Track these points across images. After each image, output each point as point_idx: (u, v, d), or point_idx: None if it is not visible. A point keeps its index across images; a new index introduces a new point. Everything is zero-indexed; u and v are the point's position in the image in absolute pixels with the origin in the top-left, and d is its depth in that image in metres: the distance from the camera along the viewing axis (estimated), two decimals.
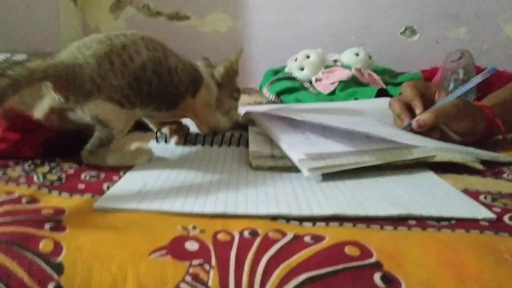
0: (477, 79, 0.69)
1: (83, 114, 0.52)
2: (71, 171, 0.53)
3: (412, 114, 0.69)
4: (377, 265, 0.34)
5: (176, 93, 0.58)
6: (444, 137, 0.67)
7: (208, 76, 0.64)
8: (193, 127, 0.67)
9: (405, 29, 1.67)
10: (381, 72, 1.33)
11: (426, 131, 0.67)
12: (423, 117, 0.66)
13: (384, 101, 0.87)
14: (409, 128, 0.68)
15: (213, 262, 0.34)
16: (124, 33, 0.55)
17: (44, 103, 0.53)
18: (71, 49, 0.52)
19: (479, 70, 1.26)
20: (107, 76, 0.51)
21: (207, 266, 0.34)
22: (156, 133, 0.66)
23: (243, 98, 1.28)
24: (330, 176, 0.52)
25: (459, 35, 1.65)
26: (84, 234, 0.37)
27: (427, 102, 0.70)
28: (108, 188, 0.47)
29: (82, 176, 0.51)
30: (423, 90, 0.71)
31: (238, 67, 0.70)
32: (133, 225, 0.39)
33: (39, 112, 0.53)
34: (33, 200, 0.44)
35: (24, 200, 0.44)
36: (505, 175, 0.58)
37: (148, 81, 0.54)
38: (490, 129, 0.70)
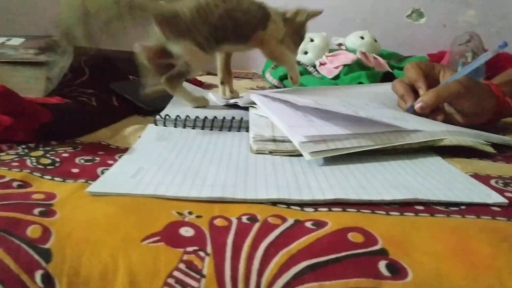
0: (487, 56, 0.65)
1: (174, 50, 0.66)
2: (65, 155, 0.51)
3: (417, 96, 0.66)
4: (382, 253, 0.32)
5: (248, 30, 0.73)
6: (449, 119, 0.65)
7: (276, 14, 0.77)
8: (189, 109, 0.66)
9: (412, 12, 1.63)
10: (387, 56, 1.30)
11: (430, 113, 0.64)
12: (425, 97, 0.64)
13: (390, 85, 0.84)
14: (412, 110, 0.65)
15: (209, 248, 0.32)
16: None
17: (150, 41, 0.68)
18: (170, 2, 0.67)
19: None
20: (195, 24, 0.66)
21: (202, 253, 0.32)
22: (155, 116, 0.64)
23: (246, 82, 1.26)
24: (332, 160, 0.50)
25: (468, 18, 1.61)
26: (74, 220, 0.35)
27: (432, 83, 0.67)
28: (102, 172, 0.45)
29: (77, 160, 0.49)
30: (427, 70, 0.69)
31: (305, 20, 0.82)
32: (126, 210, 0.37)
33: (144, 54, 0.69)
34: (24, 184, 0.42)
35: (15, 184, 0.42)
36: None
37: (225, 27, 0.69)
38: (499, 108, 0.67)
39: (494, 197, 0.41)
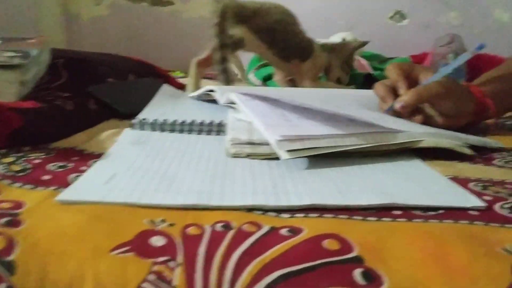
0: (466, 56, 0.65)
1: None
2: (37, 161, 0.49)
3: (397, 97, 0.66)
4: (358, 260, 0.31)
5: (290, 51, 0.91)
6: (428, 121, 0.64)
7: (321, 49, 0.95)
8: (168, 113, 0.64)
9: (395, 14, 1.64)
10: (370, 57, 1.30)
11: (409, 113, 0.64)
12: (405, 97, 0.63)
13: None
14: (392, 110, 0.64)
15: (180, 258, 0.31)
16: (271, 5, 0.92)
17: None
18: None
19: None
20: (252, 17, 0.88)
21: (172, 263, 0.31)
22: (131, 120, 0.63)
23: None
24: (311, 164, 0.49)
25: (450, 20, 1.63)
26: (41, 230, 0.34)
27: (413, 84, 0.66)
28: (74, 179, 0.44)
29: (49, 166, 0.48)
30: (408, 71, 0.68)
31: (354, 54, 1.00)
32: (96, 219, 0.35)
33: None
34: None
35: None
36: (495, 161, 0.55)
37: (273, 33, 0.89)
38: (479, 110, 0.67)
39: (472, 201, 0.40)
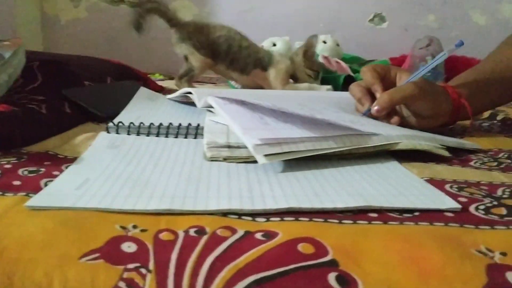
0: (443, 55, 0.65)
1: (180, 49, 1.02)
2: (8, 166, 0.48)
3: (374, 99, 0.66)
4: (333, 264, 0.31)
5: (242, 63, 1.02)
6: (404, 122, 0.64)
7: (281, 57, 1.04)
8: (144, 116, 0.63)
9: (374, 17, 1.65)
10: (350, 60, 1.31)
11: (385, 116, 0.64)
12: (380, 100, 0.63)
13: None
14: (368, 114, 0.64)
15: (151, 265, 0.30)
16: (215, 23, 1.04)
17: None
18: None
19: (448, 58, 1.25)
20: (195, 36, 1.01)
21: (143, 270, 0.30)
22: (107, 124, 0.61)
23: (209, 87, 1.24)
24: (289, 167, 0.49)
25: (428, 23, 1.64)
26: (8, 237, 0.33)
27: (389, 86, 0.66)
28: (46, 184, 0.43)
29: (20, 171, 0.47)
30: (383, 73, 0.68)
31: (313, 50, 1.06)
32: (66, 225, 0.34)
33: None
34: None
35: None
36: (472, 163, 0.56)
37: (219, 49, 1.01)
38: (455, 111, 0.67)
39: (448, 203, 0.40)
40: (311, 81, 1.03)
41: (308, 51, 1.04)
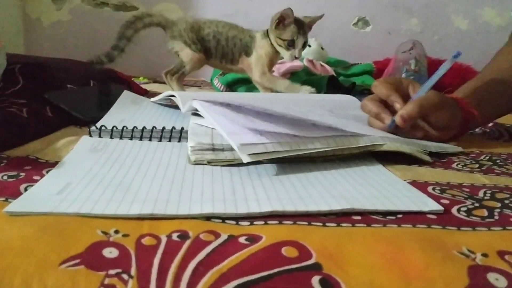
0: (446, 66, 0.64)
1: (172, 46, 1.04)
2: None
3: (392, 112, 0.64)
4: (316, 267, 0.31)
5: (231, 54, 1.02)
6: (427, 135, 0.63)
7: (262, 41, 1.00)
8: (128, 119, 0.63)
9: (358, 20, 1.67)
10: (334, 63, 1.31)
11: (410, 129, 0.63)
12: (406, 110, 0.60)
13: (338, 96, 0.85)
14: (394, 126, 0.62)
15: (133, 270, 0.30)
16: (206, 20, 1.05)
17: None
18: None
19: (430, 61, 1.27)
20: (186, 33, 1.02)
21: (125, 276, 0.30)
22: (90, 128, 0.61)
23: (194, 90, 1.24)
24: (273, 169, 0.49)
25: (411, 26, 1.66)
26: None
27: (402, 97, 0.64)
28: (26, 189, 0.42)
29: None
30: (396, 85, 0.66)
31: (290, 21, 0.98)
32: (46, 231, 0.34)
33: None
34: None
35: None
36: (454, 165, 0.56)
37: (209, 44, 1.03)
38: (465, 122, 0.66)
39: (430, 205, 0.41)
40: (282, 51, 0.99)
41: (282, 22, 0.98)
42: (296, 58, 0.98)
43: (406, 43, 1.31)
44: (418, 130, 0.63)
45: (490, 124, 0.82)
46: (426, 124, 0.63)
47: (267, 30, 1.00)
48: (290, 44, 0.97)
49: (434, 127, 0.63)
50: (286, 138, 0.51)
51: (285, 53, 0.98)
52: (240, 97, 0.82)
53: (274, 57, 1.02)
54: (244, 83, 1.13)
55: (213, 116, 0.57)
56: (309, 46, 1.28)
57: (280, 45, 0.98)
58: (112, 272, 0.30)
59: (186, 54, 1.02)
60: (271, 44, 1.00)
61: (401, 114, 0.60)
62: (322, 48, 1.30)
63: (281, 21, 0.97)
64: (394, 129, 0.63)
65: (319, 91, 1.02)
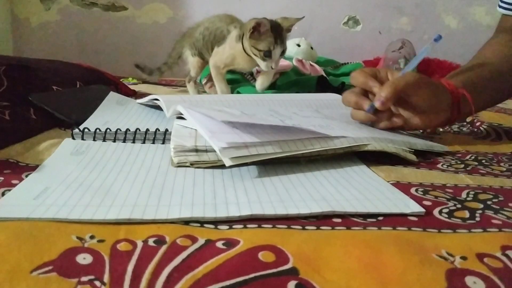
0: (427, 49, 0.64)
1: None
2: None
3: (370, 100, 0.63)
4: (293, 272, 0.30)
5: (211, 45, 1.02)
6: (409, 124, 0.63)
7: (234, 45, 0.97)
8: (112, 121, 0.62)
9: (348, 20, 1.66)
10: (324, 63, 1.31)
11: (388, 117, 0.62)
12: (383, 92, 0.60)
13: (326, 95, 0.84)
14: (373, 110, 0.62)
15: (106, 277, 0.29)
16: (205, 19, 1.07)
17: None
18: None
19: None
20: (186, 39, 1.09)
21: (98, 283, 0.29)
22: (72, 130, 0.60)
23: (184, 89, 1.23)
24: (256, 172, 0.48)
25: (401, 25, 1.66)
26: None
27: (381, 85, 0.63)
28: (3, 194, 0.41)
29: None
30: (373, 74, 0.65)
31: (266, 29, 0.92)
32: (19, 237, 0.33)
33: None
34: None
35: None
36: (439, 165, 0.56)
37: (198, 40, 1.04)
38: (456, 104, 0.64)
39: (412, 207, 0.40)
40: (259, 60, 0.93)
41: (257, 29, 0.91)
42: (272, 69, 0.94)
43: (396, 42, 1.31)
44: (398, 116, 0.63)
45: (478, 124, 0.82)
46: (403, 109, 0.62)
47: (242, 35, 0.94)
48: (267, 55, 0.92)
49: (418, 110, 0.62)
50: (270, 138, 0.51)
51: (261, 63, 0.93)
52: (227, 100, 0.81)
53: (238, 65, 1.00)
54: (232, 83, 1.13)
55: (195, 118, 0.56)
56: (299, 45, 1.28)
57: (255, 55, 0.93)
58: (84, 279, 0.29)
59: (190, 62, 1.09)
60: (243, 50, 0.95)
61: (378, 98, 0.60)
62: (311, 48, 1.30)
63: (256, 29, 0.90)
64: (376, 116, 0.63)
65: (308, 91, 1.01)
